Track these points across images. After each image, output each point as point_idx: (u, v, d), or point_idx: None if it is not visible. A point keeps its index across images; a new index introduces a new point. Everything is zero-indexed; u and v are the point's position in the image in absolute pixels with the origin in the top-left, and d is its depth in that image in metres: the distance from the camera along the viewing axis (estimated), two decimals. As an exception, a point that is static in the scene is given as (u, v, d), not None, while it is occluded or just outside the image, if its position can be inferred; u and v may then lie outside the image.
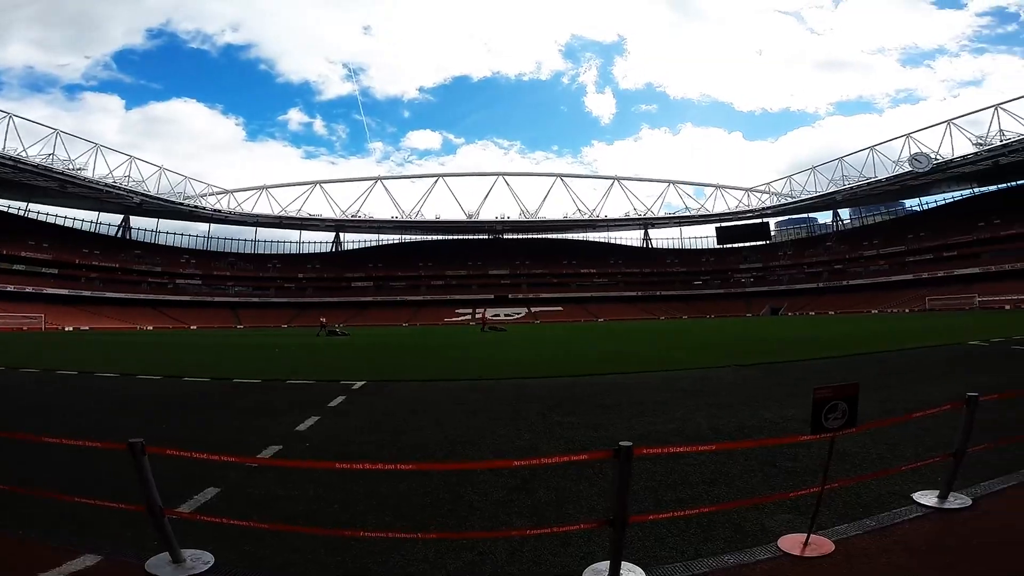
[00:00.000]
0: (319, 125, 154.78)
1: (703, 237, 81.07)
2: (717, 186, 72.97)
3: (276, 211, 66.64)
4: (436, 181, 71.01)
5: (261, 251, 74.33)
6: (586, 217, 72.74)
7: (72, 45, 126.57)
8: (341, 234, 77.01)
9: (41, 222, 59.11)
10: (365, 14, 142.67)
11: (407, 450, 4.22)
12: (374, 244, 78.67)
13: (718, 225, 77.40)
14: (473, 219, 71.65)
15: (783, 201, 70.28)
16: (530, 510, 2.84)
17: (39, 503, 2.79)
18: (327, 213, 68.86)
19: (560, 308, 66.26)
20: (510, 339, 21.56)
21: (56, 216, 60.68)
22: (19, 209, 58.34)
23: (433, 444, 4.40)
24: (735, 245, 77.48)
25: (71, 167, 51.52)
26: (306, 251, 76.47)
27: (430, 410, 6.03)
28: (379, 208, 72.68)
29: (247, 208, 66.32)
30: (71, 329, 43.04)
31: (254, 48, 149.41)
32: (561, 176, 73.40)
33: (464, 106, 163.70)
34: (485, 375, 9.10)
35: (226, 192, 66.75)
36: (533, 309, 66.04)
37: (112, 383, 8.91)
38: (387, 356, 14.58)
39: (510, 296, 69.20)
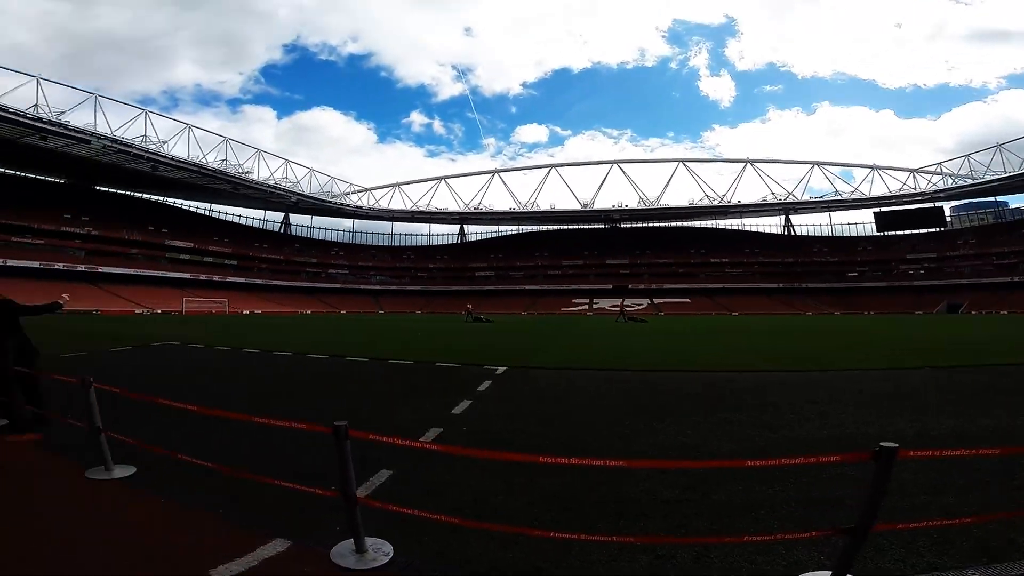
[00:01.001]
0: (438, 125, 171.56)
1: (857, 223, 74.99)
2: (873, 167, 67.35)
3: (408, 206, 75.05)
4: (549, 172, 74.64)
5: (397, 243, 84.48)
6: (716, 203, 71.12)
7: (227, 63, 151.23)
8: (465, 226, 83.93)
9: (222, 220, 72.90)
10: (464, 16, 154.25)
11: (562, 441, 4.20)
12: (493, 235, 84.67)
13: (877, 210, 71.11)
14: (588, 208, 73.85)
15: (963, 183, 62.53)
16: (710, 512, 2.74)
17: (236, 483, 2.91)
18: (452, 206, 75.67)
19: (687, 300, 65.95)
20: (646, 330, 21.01)
21: (232, 215, 74.26)
22: (205, 209, 72.34)
23: (588, 436, 4.39)
24: (899, 232, 70.51)
25: (241, 171, 62.97)
26: (435, 243, 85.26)
27: (577, 399, 6.13)
28: (497, 200, 78.03)
29: (383, 204, 75.57)
30: (247, 312, 53.05)
31: (373, 57, 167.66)
32: (684, 161, 72.75)
33: (567, 98, 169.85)
34: (628, 366, 9.07)
35: (365, 190, 76.42)
36: (656, 300, 66.43)
37: (289, 361, 10.23)
38: (523, 342, 15.11)
39: (630, 287, 70.18)
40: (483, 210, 76.09)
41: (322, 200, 71.26)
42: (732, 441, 4.16)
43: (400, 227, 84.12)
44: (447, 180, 76.06)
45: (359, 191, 76.47)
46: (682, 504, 2.84)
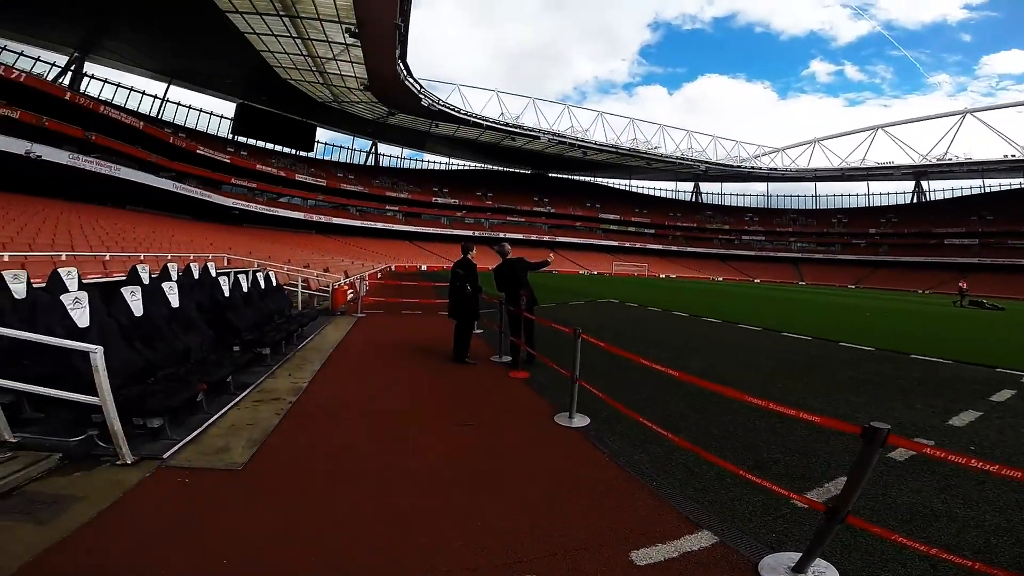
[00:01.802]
0: (851, 71, 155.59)
1: None
2: None
3: (835, 163, 67.01)
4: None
5: (823, 206, 78.16)
6: None
7: (610, 52, 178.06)
8: (922, 182, 68.71)
9: (640, 194, 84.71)
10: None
11: None
12: (970, 192, 65.73)
13: None
14: None
15: None
16: None
17: (676, 454, 3.39)
18: (898, 159, 62.88)
19: None
20: None
21: (647, 189, 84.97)
22: (625, 185, 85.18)
23: None
24: None
25: (649, 147, 70.35)
26: (876, 203, 73.85)
27: None
28: (974, 147, 59.45)
29: (801, 164, 70.05)
30: (663, 276, 59.02)
31: (739, 15, 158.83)
32: None
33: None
34: None
35: (776, 151, 72.89)
36: None
37: (720, 329, 10.76)
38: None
39: None
40: (952, 161, 59.77)
41: (730, 166, 72.28)
42: None
43: (824, 187, 76.76)
44: (885, 129, 63.47)
45: (770, 152, 73.58)
46: None
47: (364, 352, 7.45)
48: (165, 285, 5.15)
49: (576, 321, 10.41)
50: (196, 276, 7.27)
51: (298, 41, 34.85)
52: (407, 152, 72.27)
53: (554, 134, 63.64)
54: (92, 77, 40.56)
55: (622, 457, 3.62)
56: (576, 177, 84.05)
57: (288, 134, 55.77)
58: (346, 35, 31.59)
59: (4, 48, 33.22)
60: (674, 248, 73.80)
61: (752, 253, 72.37)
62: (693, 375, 3.37)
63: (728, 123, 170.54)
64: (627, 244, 73.14)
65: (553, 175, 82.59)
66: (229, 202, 43.53)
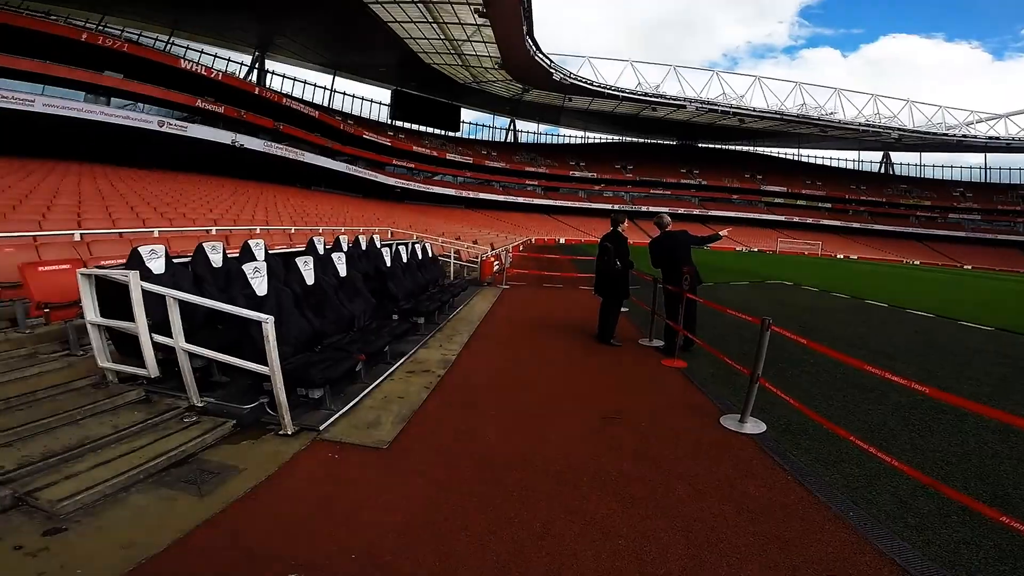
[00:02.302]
0: None
1: None
2: None
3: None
4: None
5: None
6: None
7: (761, 15, 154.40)
8: None
9: (812, 164, 74.02)
10: None
11: None
12: None
13: None
14: None
15: None
16: None
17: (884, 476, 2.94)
18: None
19: None
20: None
21: (822, 158, 73.86)
22: (792, 155, 74.82)
23: None
24: None
25: (823, 113, 59.75)
26: None
27: None
28: None
29: (1034, 129, 54.36)
30: (841, 256, 50.55)
31: None
32: None
33: None
34: None
35: (997, 117, 57.49)
36: None
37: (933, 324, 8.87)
38: None
39: None
40: None
41: (934, 134, 58.77)
42: None
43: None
44: None
45: (988, 119, 58.10)
46: None
47: (509, 325, 7.34)
48: (335, 255, 5.45)
49: (741, 305, 9.29)
50: (363, 248, 7.96)
51: (434, 26, 36.58)
52: (543, 127, 72.27)
53: (703, 102, 58.40)
54: (272, 73, 46.90)
55: (809, 477, 2.99)
56: (730, 147, 76.32)
57: (436, 116, 59.22)
58: (475, 15, 32.68)
59: (192, 48, 39.02)
60: (855, 225, 63.26)
61: (962, 234, 59.20)
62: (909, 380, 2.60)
63: (923, 88, 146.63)
64: (795, 219, 64.54)
65: (703, 145, 76.04)
66: (391, 181, 47.85)
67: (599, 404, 4.21)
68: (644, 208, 58.60)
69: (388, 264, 6.96)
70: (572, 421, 3.83)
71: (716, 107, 58.77)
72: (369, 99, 55.88)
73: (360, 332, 4.90)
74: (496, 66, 45.11)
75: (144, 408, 3.64)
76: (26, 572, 2.02)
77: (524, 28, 35.40)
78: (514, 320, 7.84)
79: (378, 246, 7.82)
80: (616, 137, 74.09)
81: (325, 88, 51.31)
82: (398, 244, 8.05)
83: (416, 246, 8.70)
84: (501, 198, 58.99)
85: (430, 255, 9.23)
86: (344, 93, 53.51)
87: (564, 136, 73.68)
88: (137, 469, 2.83)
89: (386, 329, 5.03)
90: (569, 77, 48.85)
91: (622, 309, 6.68)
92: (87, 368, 4.00)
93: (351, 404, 3.90)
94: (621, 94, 53.81)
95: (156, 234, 7.52)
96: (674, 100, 56.85)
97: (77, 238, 6.32)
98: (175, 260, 4.42)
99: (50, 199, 10.62)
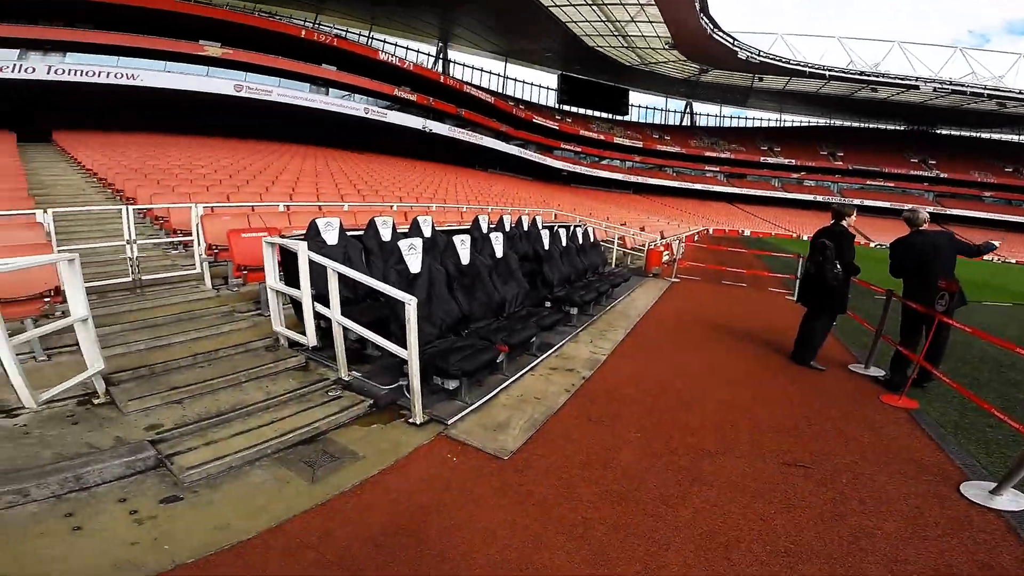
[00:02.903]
0: None
1: None
2: None
3: None
4: None
5: None
6: None
7: None
8: None
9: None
10: None
11: None
12: None
13: None
14: None
15: None
16: None
17: None
18: None
19: None
20: None
21: None
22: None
23: None
24: None
25: None
26: None
27: None
28: None
29: None
30: None
31: None
32: None
33: None
34: None
35: None
36: None
37: None
38: None
39: None
40: None
41: None
42: None
43: None
44: None
45: None
46: None
47: (674, 326, 6.35)
48: (493, 235, 5.17)
49: (1003, 332, 6.67)
50: (525, 228, 7.65)
51: (595, 8, 34.98)
52: (726, 110, 65.18)
53: (946, 82, 46.73)
54: (454, 62, 49.62)
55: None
56: (982, 134, 59.95)
57: (603, 99, 57.07)
58: (637, -5, 29.88)
59: (388, 42, 42.59)
60: None
61: None
62: None
63: None
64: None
65: (943, 131, 60.99)
66: (559, 164, 47.95)
67: (782, 445, 3.21)
68: (856, 201, 49.55)
69: (546, 247, 6.53)
70: (740, 463, 2.94)
71: (964, 88, 46.62)
72: (537, 84, 56.50)
73: (508, 319, 4.55)
74: (666, 47, 42.10)
75: (300, 376, 3.73)
76: (124, 537, 2.04)
77: (697, 6, 32.67)
78: (681, 320, 6.81)
79: (540, 227, 7.43)
80: (821, 120, 63.66)
81: (499, 75, 53.17)
82: (558, 226, 7.58)
83: (577, 229, 8.13)
84: (674, 184, 55.19)
85: (591, 240, 8.59)
86: (515, 79, 54.97)
87: (753, 119, 65.79)
88: (270, 442, 2.81)
89: (535, 318, 4.59)
90: (758, 56, 43.40)
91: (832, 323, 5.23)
92: (267, 330, 4.29)
93: (485, 399, 3.56)
94: (829, 73, 45.70)
95: (346, 208, 8.22)
96: (903, 80, 46.78)
97: (282, 209, 7.15)
98: (349, 233, 4.53)
99: (276, 176, 12.58)
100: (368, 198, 11.48)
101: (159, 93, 20.98)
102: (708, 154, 57.53)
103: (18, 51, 18.46)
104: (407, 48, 43.41)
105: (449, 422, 3.16)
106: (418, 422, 3.11)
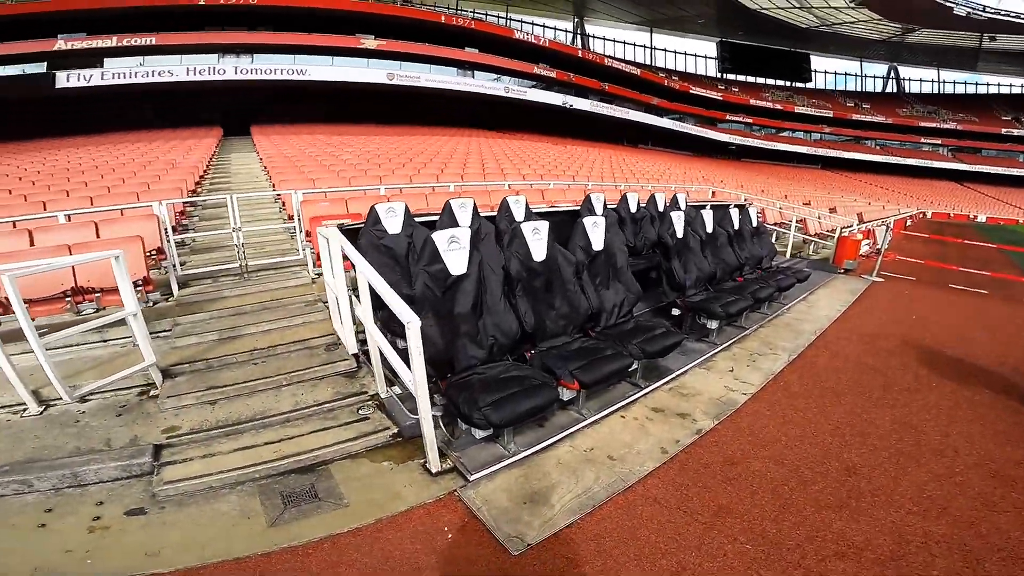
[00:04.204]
0: None
1: None
2: None
3: None
4: None
5: None
6: None
7: None
8: None
9: None
10: None
11: None
12: None
13: None
14: None
15: None
16: None
17: None
18: None
19: None
20: None
21: None
22: None
23: None
24: None
25: None
26: None
27: None
28: None
29: None
30: None
31: None
32: None
33: None
34: None
35: None
36: None
37: None
38: None
39: None
40: None
41: None
42: None
43: None
44: None
45: None
46: None
47: (865, 351, 4.42)
48: (589, 220, 3.99)
49: None
50: (660, 209, 6.28)
51: None
52: (946, 74, 51.84)
53: None
54: (592, 36, 47.30)
55: None
56: None
57: (777, 66, 49.40)
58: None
59: (524, 21, 41.35)
60: None
61: None
62: None
63: None
64: None
65: None
66: (725, 137, 43.06)
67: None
68: None
69: (679, 234, 5.17)
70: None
71: None
72: (692, 53, 51.41)
73: (603, 335, 3.46)
74: (851, 4, 36.03)
75: (341, 385, 3.29)
76: (67, 543, 2.02)
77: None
78: (880, 343, 4.75)
79: (682, 207, 6.02)
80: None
81: (644, 46, 49.50)
82: (710, 206, 6.05)
83: (733, 210, 6.38)
84: (877, 158, 45.68)
85: (753, 224, 6.81)
86: (664, 49, 51.00)
87: (987, 84, 51.69)
88: (263, 465, 2.48)
89: (641, 338, 3.36)
90: (982, 11, 34.47)
91: None
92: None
93: (538, 447, 2.66)
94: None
95: (452, 188, 7.80)
96: None
97: (383, 192, 6.95)
98: (419, 219, 3.94)
99: (409, 159, 12.83)
100: (490, 176, 10.96)
101: (328, 86, 23.78)
102: (924, 124, 46.82)
103: (216, 55, 22.33)
104: (543, 26, 43.04)
105: (472, 477, 2.36)
106: (433, 470, 2.39)
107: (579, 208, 5.15)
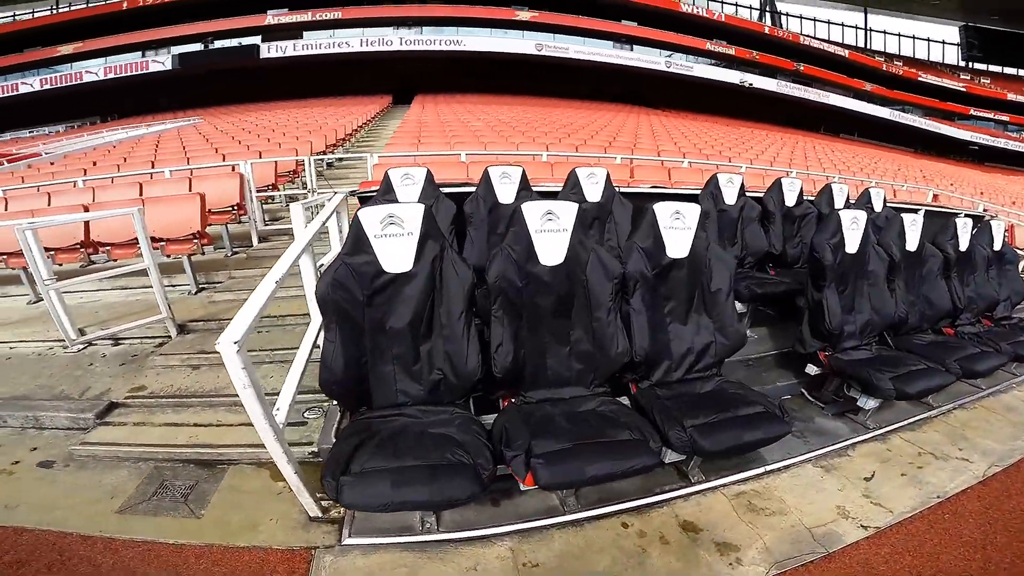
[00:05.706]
0: None
1: None
2: None
3: None
4: None
5: None
6: None
7: None
8: None
9: None
10: None
11: None
12: None
13: None
14: None
15: None
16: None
17: None
18: None
19: None
20: None
21: None
22: None
23: None
24: None
25: None
26: None
27: None
28: None
29: None
30: None
31: None
32: None
33: None
34: None
35: None
36: None
37: None
38: None
39: None
40: None
41: None
42: None
43: None
44: None
45: None
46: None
47: None
48: (663, 210, 2.36)
49: None
50: (837, 205, 4.36)
51: None
52: None
53: None
54: (788, 15, 42.14)
55: None
56: None
57: None
58: None
59: None
60: None
61: None
62: None
63: None
64: None
65: None
66: (965, 135, 35.69)
67: None
68: None
69: (849, 248, 2.95)
70: None
71: None
72: (922, 37, 43.26)
73: (647, 392, 2.31)
74: None
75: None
76: None
77: None
78: None
79: (876, 208, 4.29)
80: None
81: (856, 27, 43.17)
82: (926, 212, 4.12)
83: (963, 223, 3.97)
84: None
85: (995, 248, 4.10)
86: (885, 32, 43.40)
87: None
88: (173, 449, 2.41)
89: (709, 420, 2.02)
90: None
91: None
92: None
93: (462, 535, 1.89)
94: None
95: (545, 158, 7.23)
96: None
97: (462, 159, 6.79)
98: (447, 189, 3.51)
99: (544, 131, 12.19)
100: (639, 149, 9.92)
101: (479, 55, 25.26)
102: None
103: (392, 28, 24.43)
104: (721, 1, 39.65)
105: (346, 540, 1.78)
106: (310, 514, 1.90)
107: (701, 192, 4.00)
